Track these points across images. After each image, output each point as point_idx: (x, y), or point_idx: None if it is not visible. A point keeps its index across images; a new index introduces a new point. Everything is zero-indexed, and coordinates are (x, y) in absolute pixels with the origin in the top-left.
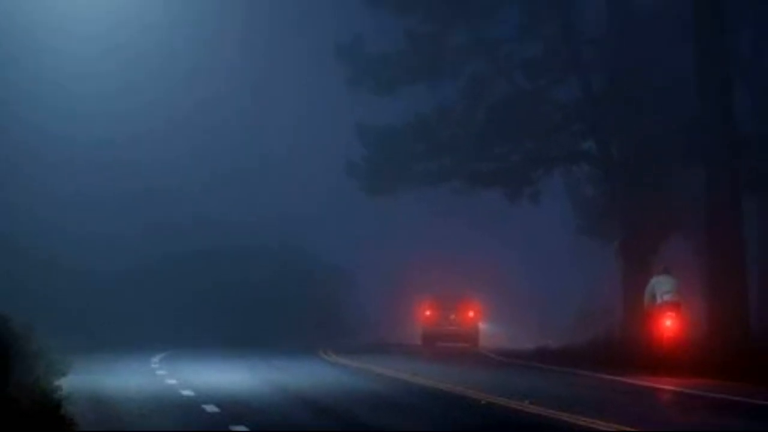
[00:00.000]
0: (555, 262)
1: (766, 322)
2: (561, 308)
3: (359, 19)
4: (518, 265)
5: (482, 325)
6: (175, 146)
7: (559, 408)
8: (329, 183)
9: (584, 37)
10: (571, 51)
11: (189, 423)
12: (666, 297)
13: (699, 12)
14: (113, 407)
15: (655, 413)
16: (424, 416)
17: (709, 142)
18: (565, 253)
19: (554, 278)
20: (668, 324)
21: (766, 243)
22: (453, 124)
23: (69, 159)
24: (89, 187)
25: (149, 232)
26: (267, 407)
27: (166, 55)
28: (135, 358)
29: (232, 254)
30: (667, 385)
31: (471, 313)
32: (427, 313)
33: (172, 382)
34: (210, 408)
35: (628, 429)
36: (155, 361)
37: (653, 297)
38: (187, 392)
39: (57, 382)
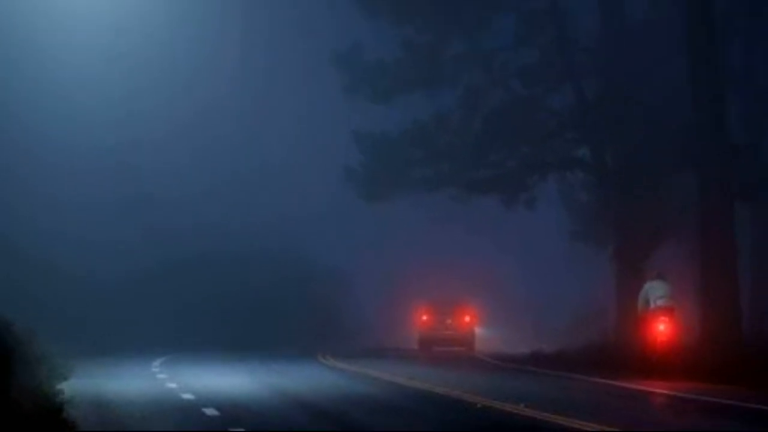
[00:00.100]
0: (550, 267)
1: (758, 326)
2: (556, 313)
3: (357, 28)
4: (514, 271)
5: (478, 330)
6: (176, 152)
7: (554, 411)
8: (327, 189)
9: (578, 46)
10: (566, 60)
11: (189, 426)
12: (659, 302)
13: (692, 22)
14: (114, 410)
15: (649, 416)
16: (420, 419)
17: (702, 150)
18: (560, 259)
19: (549, 283)
20: (661, 328)
21: (758, 249)
22: (450, 132)
23: (70, 165)
24: (90, 193)
25: (150, 236)
26: (266, 410)
27: (167, 63)
28: (136, 362)
29: (231, 259)
30: (660, 388)
31: (467, 318)
32: (424, 317)
33: (172, 385)
34: (210, 411)
35: None
36: (156, 365)
37: (647, 302)
38: (187, 396)
39: (59, 386)
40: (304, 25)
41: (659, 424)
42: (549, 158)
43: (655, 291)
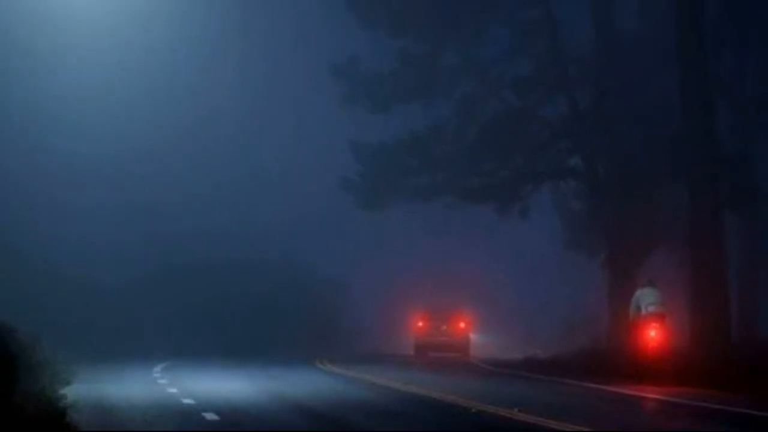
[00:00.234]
0: (543, 274)
1: (747, 332)
2: (549, 319)
3: (354, 40)
4: (508, 278)
5: (473, 336)
6: (176, 161)
7: (547, 416)
8: (325, 197)
9: (571, 58)
10: (559, 71)
11: (189, 430)
12: (650, 309)
13: (682, 34)
14: (116, 415)
15: (640, 421)
16: (416, 423)
17: (692, 160)
18: (553, 266)
19: (542, 290)
20: (653, 335)
21: (747, 256)
22: (445, 142)
23: (73, 172)
24: (92, 200)
25: (151, 243)
26: (265, 414)
27: (167, 72)
28: (137, 368)
29: (231, 266)
30: (651, 393)
31: (462, 324)
32: (420, 324)
33: (173, 390)
34: (210, 416)
35: None
36: (157, 370)
37: (638, 308)
38: (187, 400)
39: (62, 391)
40: (302, 37)
41: (650, 428)
42: (542, 168)
43: (646, 298)
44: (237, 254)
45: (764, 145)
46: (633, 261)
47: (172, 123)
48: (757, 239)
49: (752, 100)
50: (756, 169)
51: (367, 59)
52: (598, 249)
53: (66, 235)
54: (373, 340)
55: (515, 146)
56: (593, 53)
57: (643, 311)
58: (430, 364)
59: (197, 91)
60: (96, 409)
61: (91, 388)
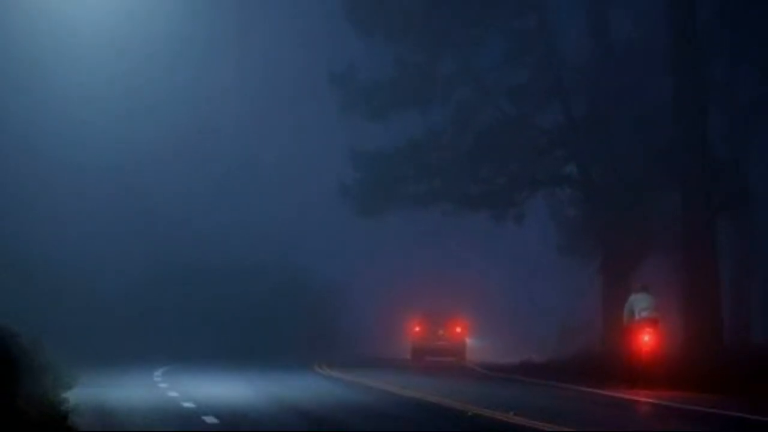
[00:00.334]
0: (539, 279)
1: (739, 336)
2: (544, 324)
3: (353, 48)
4: (504, 283)
5: (469, 340)
6: (177, 168)
7: (542, 419)
8: (324, 204)
9: (566, 66)
10: (554, 79)
11: None
12: (644, 313)
13: (676, 42)
14: (118, 418)
15: (634, 424)
16: (413, 427)
17: (685, 166)
18: (548, 272)
19: (538, 295)
20: (646, 339)
21: (739, 261)
22: (442, 149)
23: (75, 181)
24: (94, 208)
25: (152, 250)
26: (264, 418)
27: (168, 82)
28: (138, 372)
29: (230, 272)
30: (645, 397)
31: (458, 329)
32: (417, 328)
33: (173, 394)
34: (210, 419)
35: None
36: (158, 374)
37: (632, 313)
38: (188, 404)
39: (64, 395)
40: (301, 45)
41: (644, 430)
42: (538, 175)
43: (640, 303)
44: (237, 260)
45: (756, 151)
46: (627, 266)
47: (173, 130)
48: (750, 244)
49: (745, 107)
50: (748, 175)
51: (365, 67)
52: (593, 254)
53: (67, 241)
54: (370, 345)
55: (511, 153)
56: (588, 61)
57: (637, 316)
58: (427, 368)
59: (197, 99)
60: (97, 413)
61: (92, 391)
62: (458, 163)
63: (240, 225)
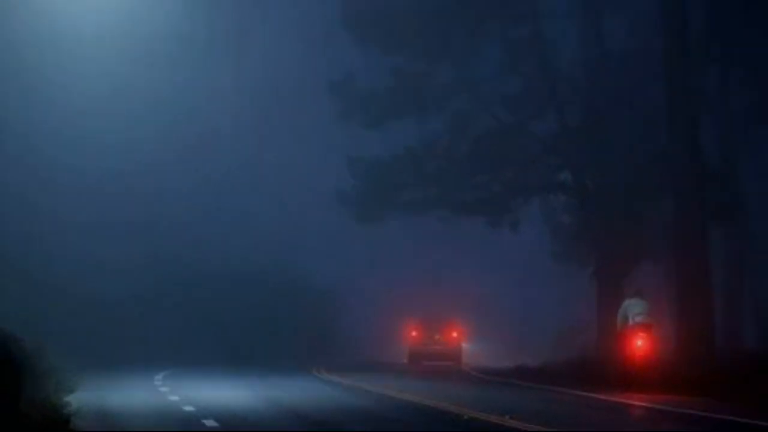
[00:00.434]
0: (534, 285)
1: (731, 341)
2: (539, 329)
3: (350, 58)
4: (499, 289)
5: (465, 345)
6: (177, 177)
7: (537, 423)
8: (322, 211)
9: (561, 75)
10: (549, 88)
11: None
12: (637, 319)
13: (668, 51)
14: (119, 422)
15: (628, 427)
16: (410, 430)
17: (677, 174)
18: (543, 277)
19: (533, 301)
20: (640, 344)
21: (731, 268)
22: (438, 156)
23: (78, 188)
24: (97, 215)
25: (153, 256)
26: (263, 421)
27: (169, 93)
28: (139, 376)
29: (230, 278)
30: (638, 401)
31: (455, 334)
32: (414, 333)
33: (174, 398)
34: (209, 422)
35: None
36: (158, 378)
37: (626, 319)
38: (188, 408)
39: (66, 399)
40: (300, 54)
41: None
42: (532, 182)
43: (633, 308)
44: (236, 266)
45: (749, 159)
46: (621, 272)
47: (173, 139)
48: (741, 250)
49: (736, 116)
50: (741, 182)
51: (363, 77)
52: (587, 261)
53: (70, 248)
54: (368, 349)
55: (506, 161)
56: (582, 71)
57: (631, 321)
58: (424, 373)
59: (197, 111)
60: (99, 416)
61: (94, 395)
62: (454, 171)
63: (240, 230)
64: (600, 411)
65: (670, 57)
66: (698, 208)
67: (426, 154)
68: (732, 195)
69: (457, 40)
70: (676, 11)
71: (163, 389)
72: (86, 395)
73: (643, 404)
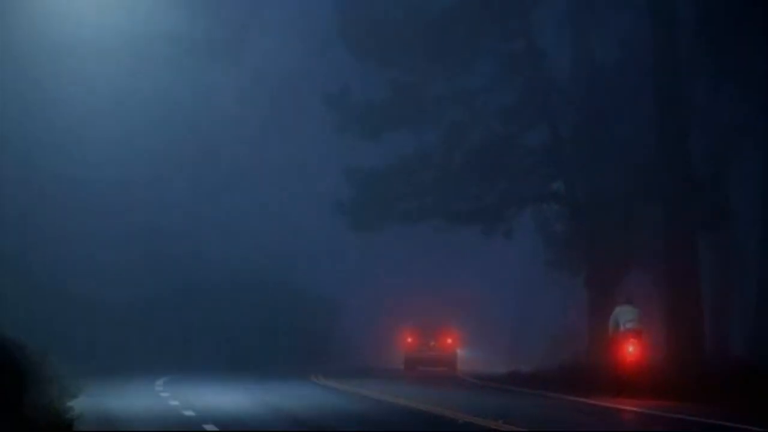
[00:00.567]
0: (527, 292)
1: (720, 347)
2: (532, 335)
3: (347, 71)
4: (493, 296)
5: (460, 351)
6: (177, 188)
7: (530, 427)
8: (320, 220)
9: (553, 87)
10: (541, 100)
11: None
12: (628, 325)
13: (658, 63)
14: (121, 426)
15: (619, 431)
16: None
17: (668, 184)
18: (536, 285)
19: (526, 307)
20: (630, 350)
21: (719, 275)
22: (433, 167)
23: (82, 197)
24: (100, 224)
25: (154, 265)
26: (262, 426)
27: (169, 105)
28: (141, 382)
29: (230, 286)
30: (629, 406)
31: (450, 340)
32: (409, 340)
33: (174, 403)
34: (209, 427)
35: None
36: (159, 384)
37: (617, 325)
38: (188, 412)
39: (69, 404)
40: (298, 70)
41: None
42: (525, 192)
43: (624, 315)
44: (236, 274)
45: (737, 169)
46: (612, 280)
47: (175, 153)
48: (730, 258)
49: (725, 126)
50: (729, 192)
51: (359, 90)
52: (579, 268)
53: (73, 256)
54: (365, 356)
55: (500, 172)
56: (574, 83)
57: (622, 328)
58: (419, 378)
59: (196, 120)
60: (101, 421)
61: (96, 401)
62: (449, 181)
63: (239, 238)
64: (591, 415)
65: (659, 70)
66: (687, 217)
67: (421, 165)
68: (720, 204)
69: (452, 54)
70: (666, 24)
71: (164, 394)
72: (88, 400)
73: (634, 409)
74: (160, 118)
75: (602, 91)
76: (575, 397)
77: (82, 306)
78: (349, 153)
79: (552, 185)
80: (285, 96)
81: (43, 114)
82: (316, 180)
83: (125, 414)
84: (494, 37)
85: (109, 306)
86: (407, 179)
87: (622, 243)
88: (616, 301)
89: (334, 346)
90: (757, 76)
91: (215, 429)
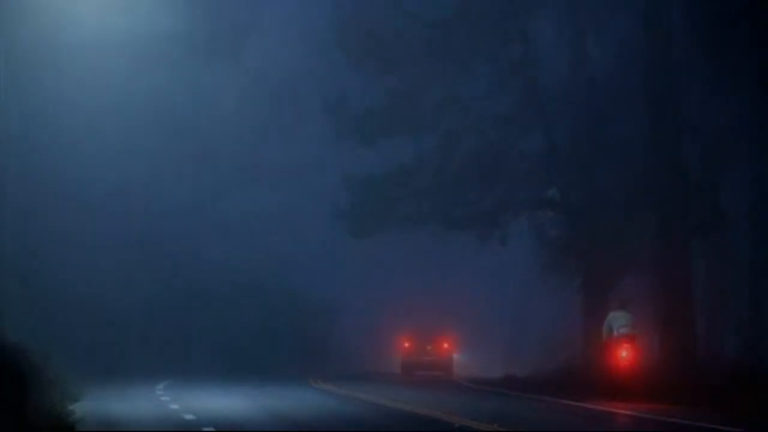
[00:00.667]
0: (522, 297)
1: (712, 351)
2: (527, 340)
3: (345, 79)
4: (489, 301)
5: (456, 356)
6: (178, 193)
7: (525, 430)
8: (318, 227)
9: (549, 95)
10: (537, 107)
11: None
12: (622, 330)
13: (652, 70)
14: (122, 429)
15: None
16: None
17: (662, 190)
18: (531, 290)
19: (521, 312)
20: (624, 355)
21: (713, 281)
22: (430, 173)
23: (85, 203)
24: (102, 229)
25: (156, 270)
26: (261, 429)
27: (170, 111)
28: (141, 385)
29: (229, 292)
30: (622, 409)
31: (446, 345)
32: (406, 344)
33: (175, 406)
34: (209, 430)
35: None
36: (160, 388)
37: (610, 330)
38: (188, 416)
39: (71, 407)
40: (298, 70)
41: None
42: (521, 198)
43: (618, 320)
44: (235, 279)
45: (730, 175)
46: (606, 285)
47: (176, 160)
48: (722, 263)
49: (719, 133)
50: (723, 198)
51: (357, 97)
52: (574, 274)
53: (75, 261)
54: (362, 360)
55: (496, 178)
56: (569, 90)
57: (615, 333)
58: (416, 382)
59: (199, 130)
60: (102, 424)
61: (98, 404)
62: (445, 187)
63: (238, 243)
64: (585, 419)
65: (653, 77)
66: (681, 224)
67: (419, 171)
68: (714, 210)
69: (449, 62)
70: (659, 33)
71: (165, 398)
72: (90, 404)
73: (628, 412)
74: (159, 119)
75: (596, 99)
76: (570, 400)
77: (84, 310)
78: (347, 159)
79: (547, 191)
80: (285, 98)
81: (43, 114)
82: (315, 184)
83: (126, 417)
84: (491, 45)
85: (111, 310)
86: (404, 186)
87: (616, 248)
88: (610, 307)
89: (332, 351)
90: (750, 81)
91: None
